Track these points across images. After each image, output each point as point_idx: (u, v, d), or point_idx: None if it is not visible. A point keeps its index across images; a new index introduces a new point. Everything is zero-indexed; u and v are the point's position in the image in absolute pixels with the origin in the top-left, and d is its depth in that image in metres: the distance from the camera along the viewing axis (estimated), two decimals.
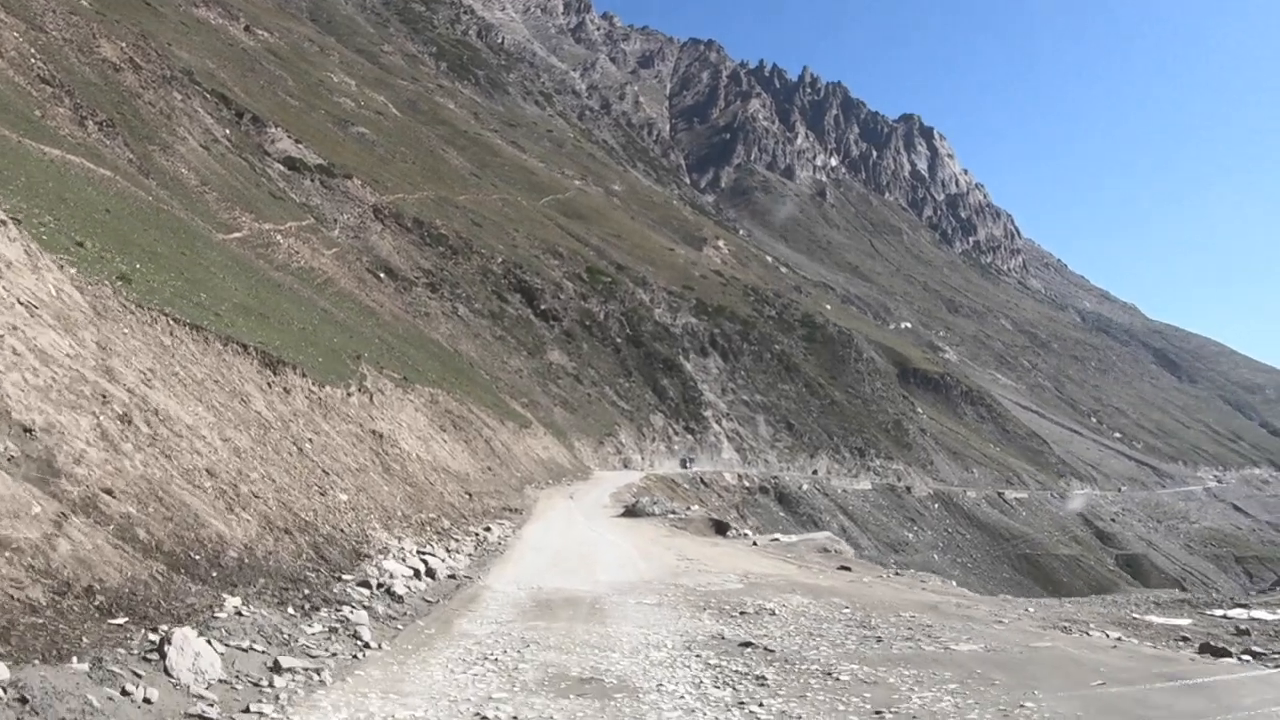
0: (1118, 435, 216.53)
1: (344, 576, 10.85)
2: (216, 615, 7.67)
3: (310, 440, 12.92)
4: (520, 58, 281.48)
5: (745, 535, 26.49)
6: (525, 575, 15.06)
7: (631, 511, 29.27)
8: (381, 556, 12.51)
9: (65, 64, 46.67)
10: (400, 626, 10.18)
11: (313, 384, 15.04)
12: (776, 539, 25.19)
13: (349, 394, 17.15)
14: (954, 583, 21.57)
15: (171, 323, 11.21)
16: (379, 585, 11.30)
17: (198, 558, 8.13)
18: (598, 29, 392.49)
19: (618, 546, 20.97)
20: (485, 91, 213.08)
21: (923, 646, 10.50)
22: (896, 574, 20.85)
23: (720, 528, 26.34)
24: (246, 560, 8.91)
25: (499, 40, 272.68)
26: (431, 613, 11.38)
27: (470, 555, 16.10)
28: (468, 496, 19.51)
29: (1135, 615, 14.64)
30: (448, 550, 15.17)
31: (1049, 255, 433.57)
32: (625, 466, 67.26)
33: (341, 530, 12.01)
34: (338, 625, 9.11)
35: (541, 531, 22.19)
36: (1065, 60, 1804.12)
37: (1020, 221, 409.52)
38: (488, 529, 19.09)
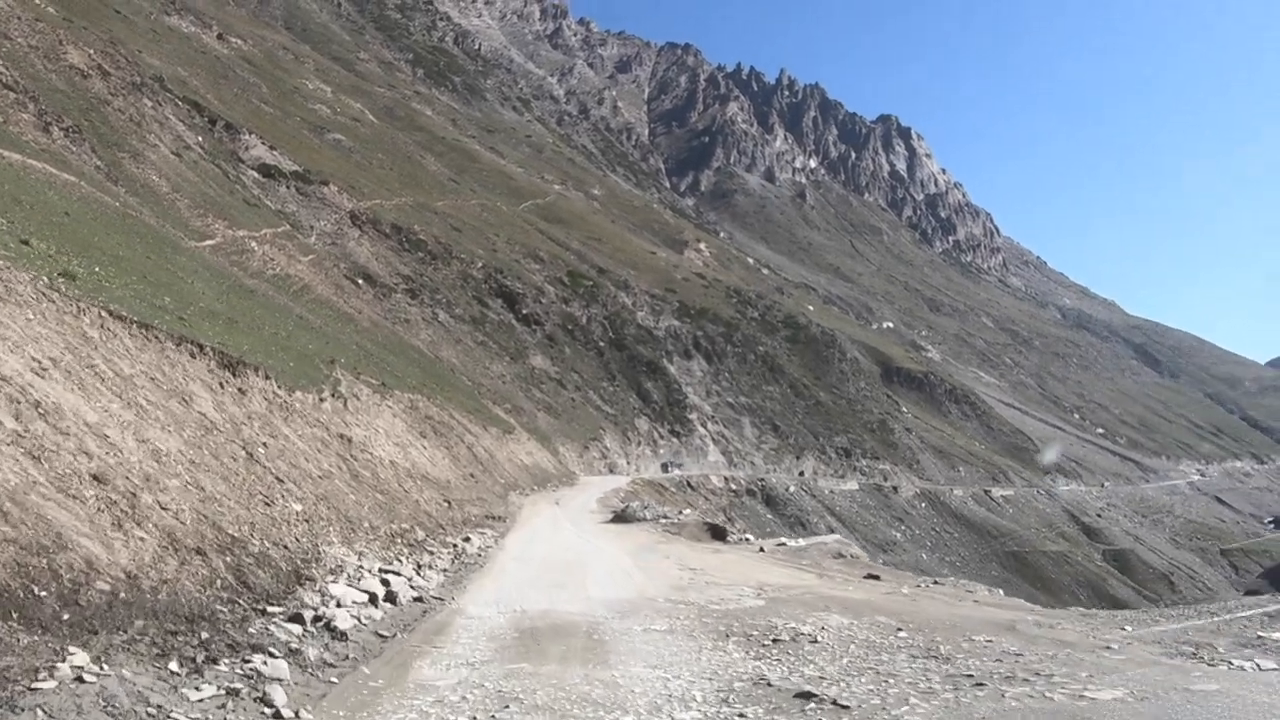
0: (1100, 431, 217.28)
1: (270, 609, 8.63)
2: (37, 685, 5.34)
3: (265, 445, 11.75)
4: (497, 64, 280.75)
5: (747, 540, 25.20)
6: (507, 593, 13.26)
7: (621, 517, 28.05)
8: (331, 578, 10.42)
9: (30, 70, 45.56)
10: (335, 678, 7.93)
11: (279, 388, 14.08)
12: (784, 543, 23.81)
13: (321, 399, 16.27)
14: (1000, 591, 19.25)
15: (105, 314, 10.05)
16: (317, 619, 9.08)
17: (44, 594, 6.16)
18: (574, 35, 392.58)
19: (610, 555, 19.38)
20: (463, 98, 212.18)
21: (1049, 694, 7.81)
22: (935, 583, 18.35)
23: (718, 532, 24.98)
24: (124, 594, 6.88)
25: (476, 46, 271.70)
26: (384, 653, 9.05)
27: (445, 571, 14.57)
28: (446, 504, 18.35)
29: (1261, 633, 11.97)
30: (419, 566, 13.64)
31: (1028, 253, 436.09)
32: (611, 471, 66.54)
33: (285, 546, 10.20)
34: (240, 685, 6.75)
35: (526, 540, 20.67)
36: (1042, 59, 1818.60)
37: (999, 220, 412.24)
38: (467, 539, 17.78)
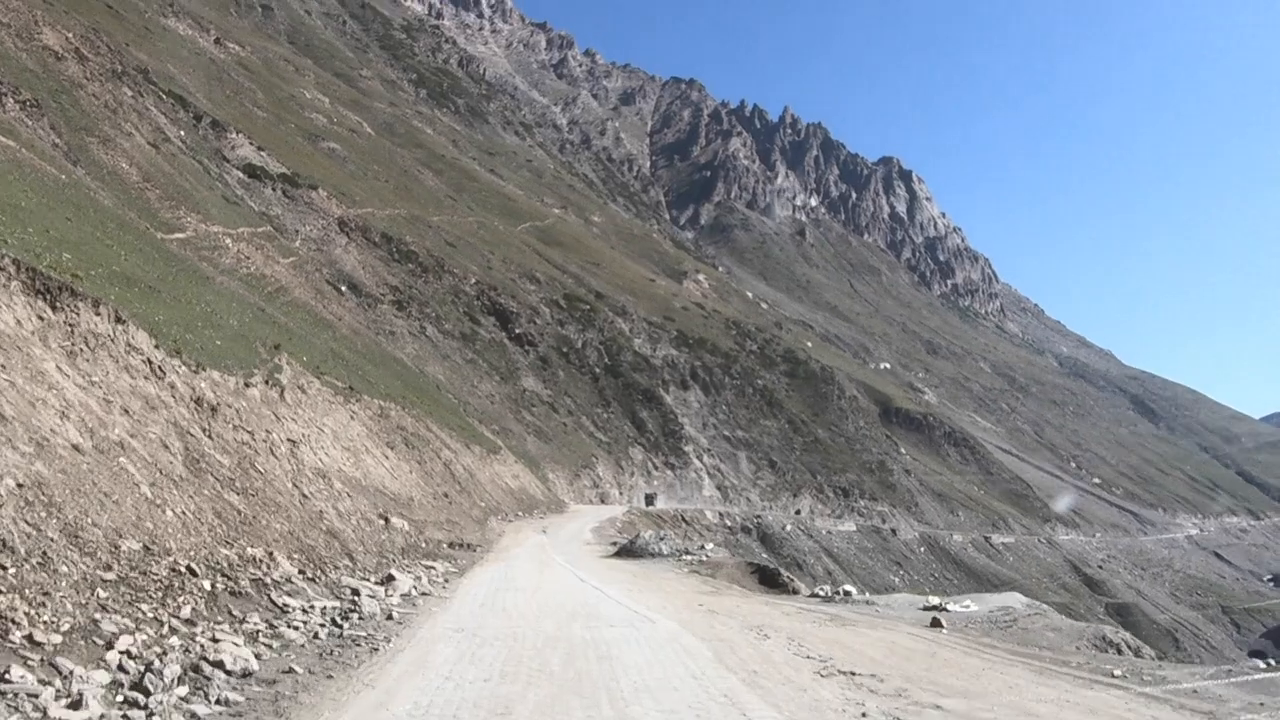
0: (1097, 481, 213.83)
1: None
2: None
3: None
4: (501, 89, 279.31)
5: (848, 595, 17.75)
6: None
7: (630, 551, 22.32)
8: None
9: None
10: None
11: (157, 346, 10.50)
12: (942, 608, 15.69)
13: (248, 384, 12.81)
14: None
15: None
16: None
17: None
18: (579, 65, 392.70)
19: (648, 624, 11.94)
20: (465, 120, 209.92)
21: None
22: None
23: (768, 578, 18.48)
24: None
25: (480, 71, 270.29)
26: None
27: (248, 678, 7.27)
28: (383, 523, 13.69)
29: None
30: (145, 670, 6.41)
31: (1026, 300, 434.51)
32: (602, 501, 62.92)
33: None
34: None
35: (495, 583, 14.31)
36: (1042, 108, 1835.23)
37: (997, 266, 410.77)
38: (389, 579, 11.88)
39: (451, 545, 15.88)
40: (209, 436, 10.64)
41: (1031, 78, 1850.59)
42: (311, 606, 9.84)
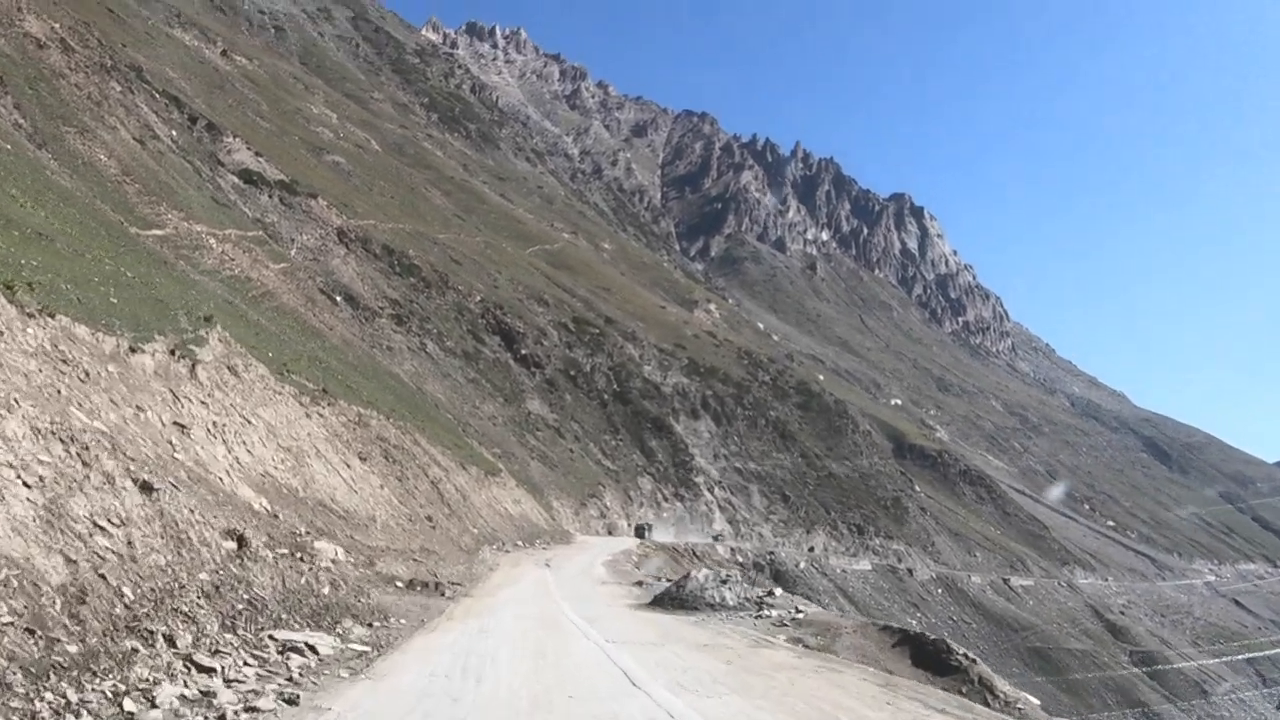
0: (1111, 523, 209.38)
1: None
2: None
3: None
4: (513, 117, 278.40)
5: None
6: None
7: (678, 600, 14.84)
8: None
9: None
10: None
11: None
12: None
13: (135, 349, 9.17)
14: None
15: None
16: None
17: None
18: (592, 97, 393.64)
19: None
20: (476, 145, 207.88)
21: None
22: None
23: (925, 656, 10.48)
24: None
25: (493, 98, 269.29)
26: None
27: None
28: (233, 545, 7.67)
29: None
30: None
31: (1037, 339, 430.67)
32: (610, 532, 59.04)
33: None
34: None
35: (423, 708, 6.96)
36: (1053, 150, 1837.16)
37: (1007, 305, 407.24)
38: None
39: (411, 584, 11.22)
40: None
41: (1046, 118, 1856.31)
42: None
